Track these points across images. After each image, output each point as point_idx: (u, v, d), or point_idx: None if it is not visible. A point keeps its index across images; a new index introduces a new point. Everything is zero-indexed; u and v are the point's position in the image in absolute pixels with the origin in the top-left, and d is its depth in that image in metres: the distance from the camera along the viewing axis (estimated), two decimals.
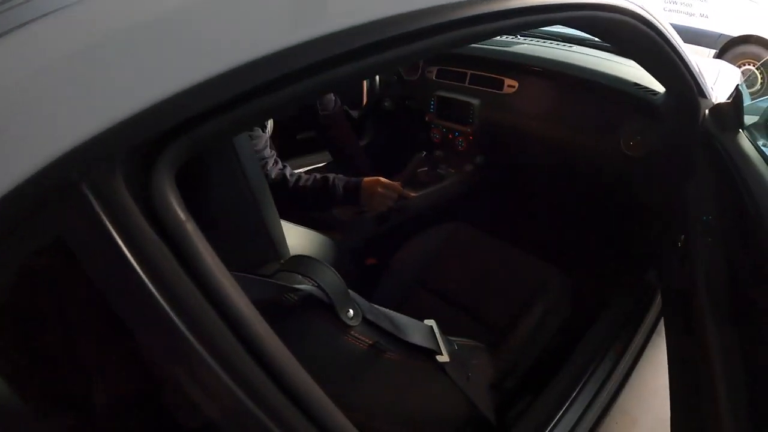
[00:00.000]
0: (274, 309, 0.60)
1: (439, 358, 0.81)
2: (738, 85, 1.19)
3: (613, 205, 1.72)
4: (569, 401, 1.17)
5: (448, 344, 0.85)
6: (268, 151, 1.31)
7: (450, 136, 1.93)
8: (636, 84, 1.48)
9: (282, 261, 0.74)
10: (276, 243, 0.76)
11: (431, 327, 0.84)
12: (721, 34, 4.28)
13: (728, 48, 4.35)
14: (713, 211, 1.14)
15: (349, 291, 0.72)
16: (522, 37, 2.05)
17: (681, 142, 1.28)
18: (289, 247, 0.92)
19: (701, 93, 1.21)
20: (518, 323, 1.24)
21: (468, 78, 1.87)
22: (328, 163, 2.12)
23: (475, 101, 1.84)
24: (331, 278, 0.69)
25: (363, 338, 0.71)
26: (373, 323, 0.72)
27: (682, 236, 1.22)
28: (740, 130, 1.13)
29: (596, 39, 1.70)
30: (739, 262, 1.04)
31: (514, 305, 1.29)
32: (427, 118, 1.97)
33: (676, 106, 1.30)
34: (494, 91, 1.79)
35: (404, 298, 1.38)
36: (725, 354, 0.96)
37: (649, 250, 1.56)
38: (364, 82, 2.06)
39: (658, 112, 1.39)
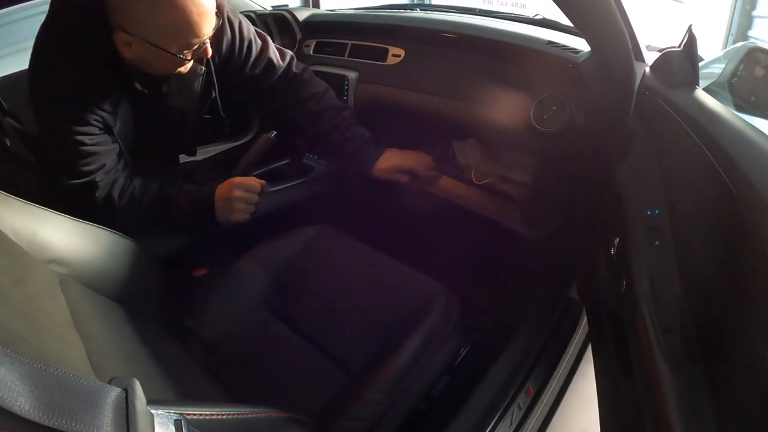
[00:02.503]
0: None
1: None
2: (690, 26, 0.87)
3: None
4: None
5: (165, 426, 0.45)
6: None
7: None
8: (550, 42, 1.16)
9: None
10: None
11: (122, 393, 0.42)
12: (649, 45, 4.28)
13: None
14: (661, 201, 0.84)
15: None
16: (419, 9, 1.79)
17: (610, 112, 0.97)
18: (70, 249, 0.83)
19: (638, 56, 1.00)
20: (387, 358, 0.95)
21: (348, 50, 1.57)
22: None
23: (352, 74, 1.51)
24: None
25: None
26: None
27: (617, 239, 0.91)
28: (696, 86, 0.82)
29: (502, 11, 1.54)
30: (706, 272, 0.72)
31: (385, 333, 1.03)
32: None
33: (603, 68, 1.01)
34: (376, 62, 1.48)
35: (240, 323, 1.12)
36: (684, 408, 0.65)
37: (571, 259, 1.26)
38: None
39: (578, 75, 1.09)
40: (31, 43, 1.05)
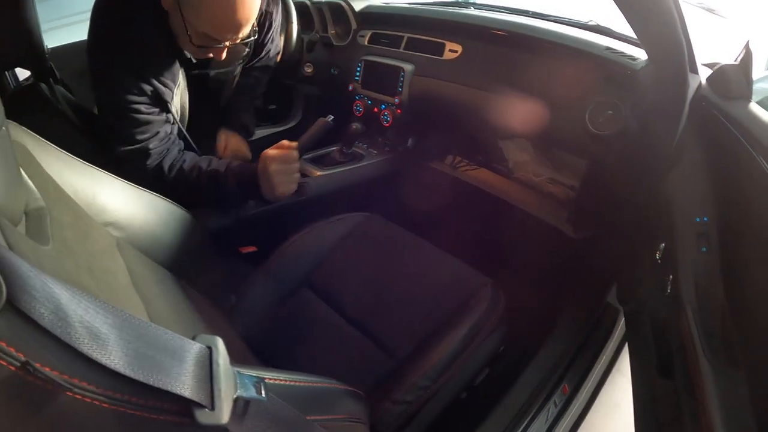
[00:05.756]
0: None
1: (202, 414, 0.38)
2: (748, 42, 0.88)
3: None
4: None
5: (246, 387, 0.44)
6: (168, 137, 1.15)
7: (375, 109, 1.62)
8: (609, 48, 1.17)
9: None
10: None
11: (206, 350, 0.42)
12: None
13: None
14: (710, 209, 0.84)
15: None
16: (473, 8, 1.76)
17: (663, 119, 0.98)
18: (127, 214, 0.84)
19: (693, 69, 1.01)
20: (434, 346, 0.96)
21: (404, 42, 1.59)
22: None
23: (408, 66, 1.53)
24: None
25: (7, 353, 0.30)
26: (33, 321, 0.31)
27: (662, 245, 0.92)
28: (750, 100, 0.84)
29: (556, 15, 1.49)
30: (750, 282, 0.73)
31: (430, 322, 1.03)
32: (351, 88, 1.68)
33: (659, 77, 1.02)
34: (433, 56, 1.49)
35: (284, 301, 1.14)
36: (726, 410, 0.67)
37: (613, 263, 1.26)
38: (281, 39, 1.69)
39: (635, 82, 1.10)
40: (82, 17, 1.06)
